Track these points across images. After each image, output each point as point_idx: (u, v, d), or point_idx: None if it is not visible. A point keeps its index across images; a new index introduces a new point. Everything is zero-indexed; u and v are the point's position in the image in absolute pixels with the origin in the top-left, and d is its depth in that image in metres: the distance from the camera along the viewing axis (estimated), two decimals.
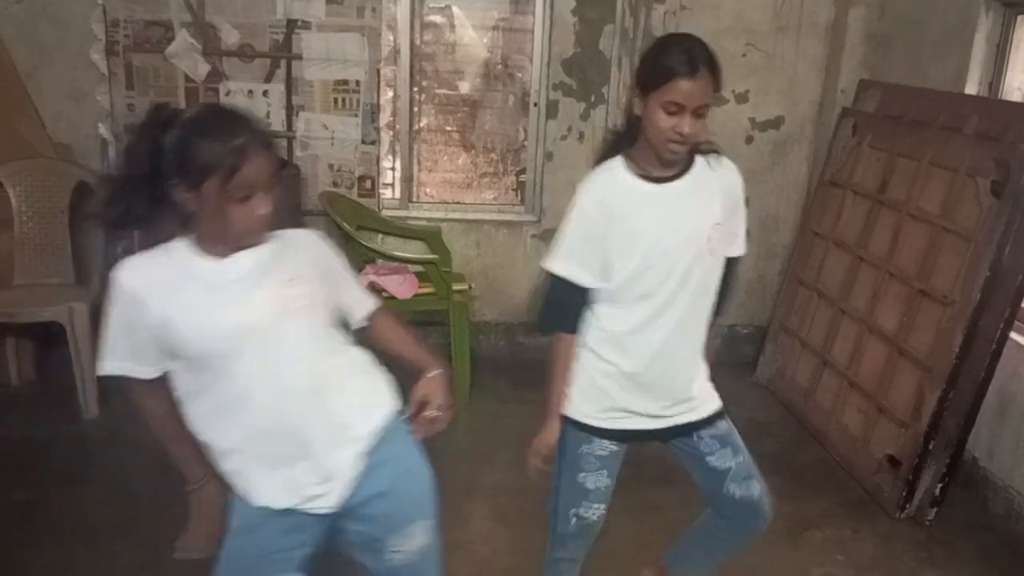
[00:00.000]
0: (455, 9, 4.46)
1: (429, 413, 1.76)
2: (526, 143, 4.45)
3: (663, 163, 1.92)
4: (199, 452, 1.69)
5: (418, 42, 4.36)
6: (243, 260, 1.60)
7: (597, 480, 2.19)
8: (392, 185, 4.50)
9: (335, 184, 4.16)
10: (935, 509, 3.15)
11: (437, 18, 4.52)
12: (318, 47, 4.04)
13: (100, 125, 3.93)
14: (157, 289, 1.56)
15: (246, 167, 1.49)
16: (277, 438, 1.61)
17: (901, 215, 3.57)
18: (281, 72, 4.05)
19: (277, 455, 1.62)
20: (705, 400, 2.21)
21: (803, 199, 4.47)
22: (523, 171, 4.52)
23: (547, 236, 4.41)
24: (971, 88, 3.53)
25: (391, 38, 4.28)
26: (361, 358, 1.77)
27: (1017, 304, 3.00)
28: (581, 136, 4.33)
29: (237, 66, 4.02)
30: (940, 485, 3.13)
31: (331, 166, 4.15)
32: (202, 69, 3.99)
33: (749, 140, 4.40)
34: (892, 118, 3.82)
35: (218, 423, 1.62)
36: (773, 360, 4.29)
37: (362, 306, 1.86)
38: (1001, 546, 3.05)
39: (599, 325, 2.04)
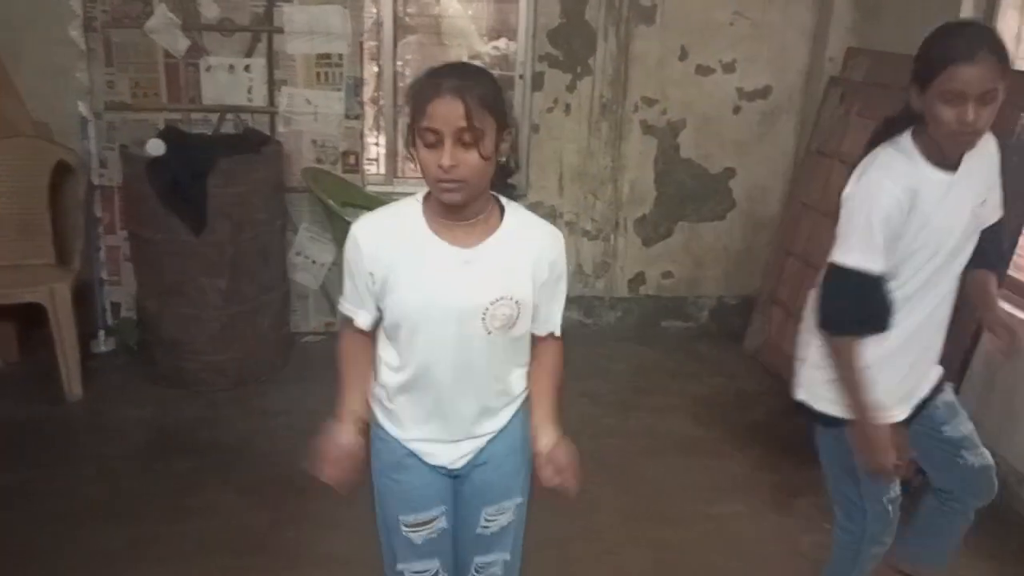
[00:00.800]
0: None
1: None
2: (512, 116, 4.39)
3: (952, 154, 1.85)
4: (363, 398, 1.75)
5: (402, 14, 4.30)
6: (478, 247, 1.62)
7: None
8: (377, 160, 4.46)
9: (319, 160, 4.11)
10: (921, 476, 3.15)
11: None
12: (300, 20, 3.97)
13: (79, 103, 3.86)
14: (384, 243, 1.65)
15: (434, 105, 1.48)
16: (439, 401, 1.69)
17: None
18: (263, 46, 3.98)
19: (432, 411, 1.70)
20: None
21: (791, 170, 4.45)
22: None
23: (533, 210, 4.34)
24: None
25: (374, 11, 4.22)
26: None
27: (1004, 273, 2.98)
28: (568, 108, 4.28)
29: (217, 40, 3.95)
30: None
31: (314, 142, 4.10)
32: (182, 44, 3.92)
33: (737, 110, 4.36)
34: (880, 86, 3.79)
35: (404, 359, 1.68)
36: (761, 331, 4.28)
37: (545, 326, 1.76)
38: (987, 509, 3.06)
39: None
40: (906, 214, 1.85)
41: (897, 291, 1.92)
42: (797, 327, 2.23)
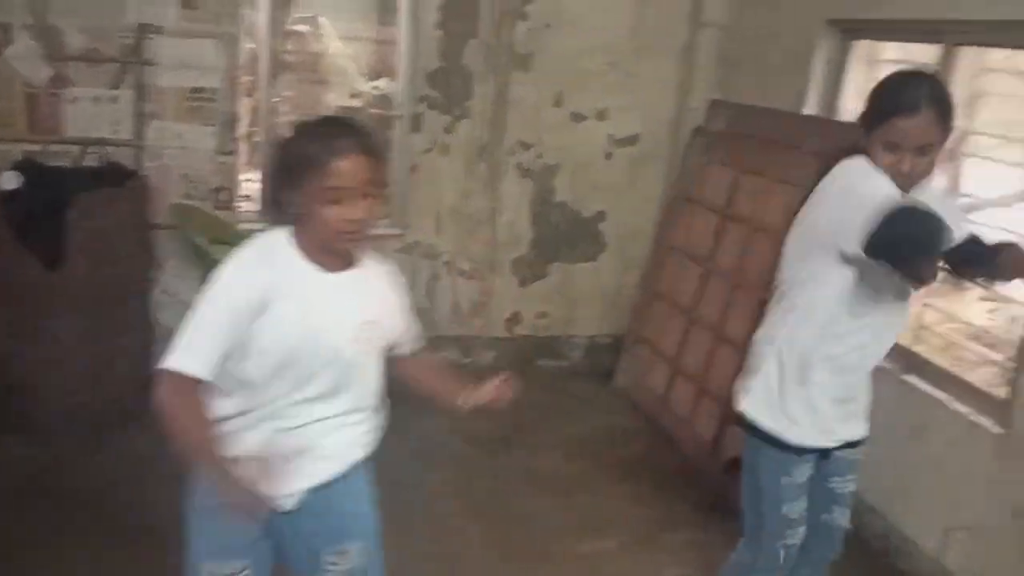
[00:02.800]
0: (322, 19, 4.40)
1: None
2: (391, 156, 4.42)
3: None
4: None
5: (280, 51, 4.26)
6: (344, 280, 1.70)
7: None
8: (250, 197, 4.37)
9: (189, 196, 4.00)
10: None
11: (303, 27, 4.44)
12: (171, 53, 3.88)
13: None
14: (266, 282, 1.63)
15: (341, 164, 1.56)
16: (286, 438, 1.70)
17: (748, 229, 3.75)
18: (131, 78, 3.87)
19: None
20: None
21: (658, 214, 4.63)
22: (388, 184, 4.48)
23: (411, 249, 4.39)
24: (810, 108, 3.76)
25: (250, 45, 4.17)
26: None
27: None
28: (446, 149, 4.33)
29: (83, 71, 3.81)
30: None
31: (185, 176, 3.99)
32: (44, 74, 3.77)
33: (608, 156, 4.52)
34: (740, 136, 4.02)
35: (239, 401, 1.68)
36: (631, 369, 4.41)
37: (413, 339, 1.92)
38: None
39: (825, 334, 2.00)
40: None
41: (853, 325, 1.97)
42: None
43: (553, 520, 3.24)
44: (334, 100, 4.69)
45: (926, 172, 1.88)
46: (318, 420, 1.70)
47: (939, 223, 1.69)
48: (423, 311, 4.44)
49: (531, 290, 4.60)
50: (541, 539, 3.12)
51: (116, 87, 3.85)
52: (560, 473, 3.59)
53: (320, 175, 1.56)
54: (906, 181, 1.86)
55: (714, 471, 3.55)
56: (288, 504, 1.71)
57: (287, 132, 1.74)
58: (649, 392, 4.20)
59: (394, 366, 1.87)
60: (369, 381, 1.77)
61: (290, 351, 1.62)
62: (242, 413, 1.67)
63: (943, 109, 1.83)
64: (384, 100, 4.51)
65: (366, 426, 1.82)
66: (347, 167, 1.56)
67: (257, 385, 1.65)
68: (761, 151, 3.80)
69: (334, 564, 1.79)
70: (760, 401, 2.13)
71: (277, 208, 1.67)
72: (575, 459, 3.71)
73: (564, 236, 4.57)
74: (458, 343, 4.54)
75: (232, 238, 3.92)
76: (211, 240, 3.68)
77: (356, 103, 4.60)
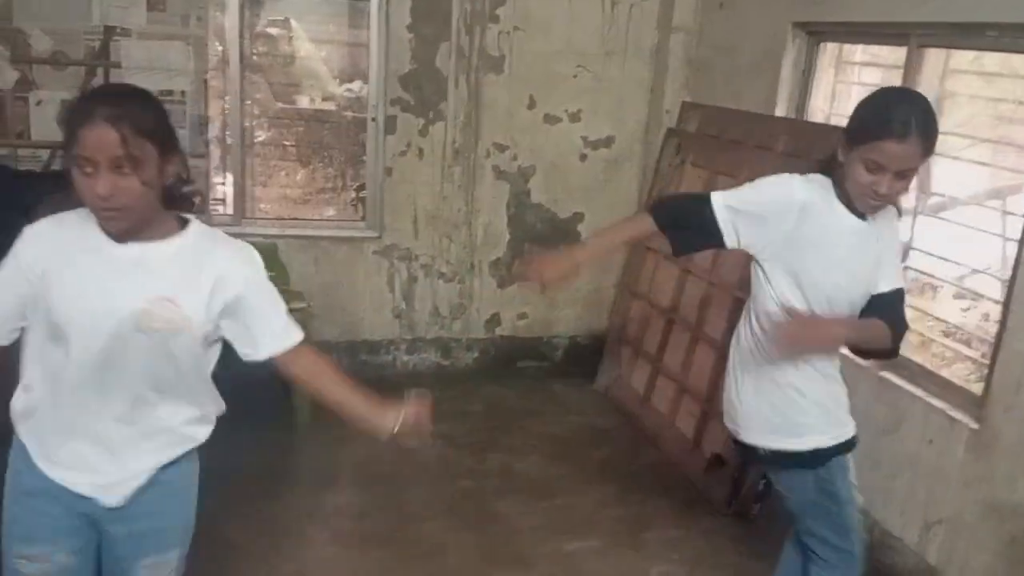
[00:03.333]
0: (293, 22, 4.36)
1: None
2: (365, 158, 4.40)
3: (860, 210, 1.93)
4: None
5: (249, 53, 4.22)
6: (134, 249, 1.55)
7: None
8: (224, 201, 4.32)
9: None
10: (759, 504, 3.35)
11: (273, 30, 4.39)
12: (139, 55, 3.83)
13: None
14: (51, 249, 1.55)
15: (86, 133, 1.43)
16: (82, 430, 1.61)
17: None
18: (98, 80, 3.80)
19: (78, 436, 1.61)
20: None
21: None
22: (363, 187, 4.46)
23: (388, 252, 4.37)
24: (780, 110, 3.81)
25: (219, 48, 4.12)
26: (187, 413, 1.69)
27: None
28: (420, 152, 4.33)
29: (49, 74, 3.75)
30: (763, 481, 3.31)
31: None
32: (9, 77, 3.70)
33: (583, 158, 4.55)
34: (712, 138, 4.07)
35: (38, 373, 1.60)
36: (611, 369, 4.44)
37: (275, 342, 1.68)
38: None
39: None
40: (790, 216, 1.94)
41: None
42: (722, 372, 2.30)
43: (536, 521, 3.25)
44: (307, 103, 4.64)
45: (901, 194, 1.90)
46: (95, 414, 1.59)
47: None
48: (402, 313, 4.46)
49: (510, 292, 4.60)
50: (524, 540, 3.12)
51: (83, 90, 3.79)
52: (542, 474, 3.60)
53: (72, 141, 1.46)
54: (879, 202, 1.89)
55: (695, 469, 3.59)
56: (111, 501, 1.64)
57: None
58: (631, 392, 4.23)
59: (279, 368, 1.72)
60: (161, 371, 1.60)
61: (55, 326, 1.54)
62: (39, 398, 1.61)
63: (930, 135, 1.82)
64: (357, 103, 4.48)
65: (170, 425, 1.67)
66: (91, 137, 1.43)
67: (35, 363, 1.60)
68: (733, 152, 3.85)
69: (148, 573, 1.73)
70: (818, 426, 2.09)
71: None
72: (557, 460, 3.72)
73: (541, 237, 4.58)
74: (438, 345, 4.54)
75: None
76: None
77: (329, 106, 4.57)
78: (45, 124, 3.75)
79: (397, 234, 4.39)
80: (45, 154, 3.75)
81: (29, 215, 3.26)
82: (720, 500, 3.39)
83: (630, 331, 4.36)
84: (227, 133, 4.24)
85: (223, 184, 4.33)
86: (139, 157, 1.45)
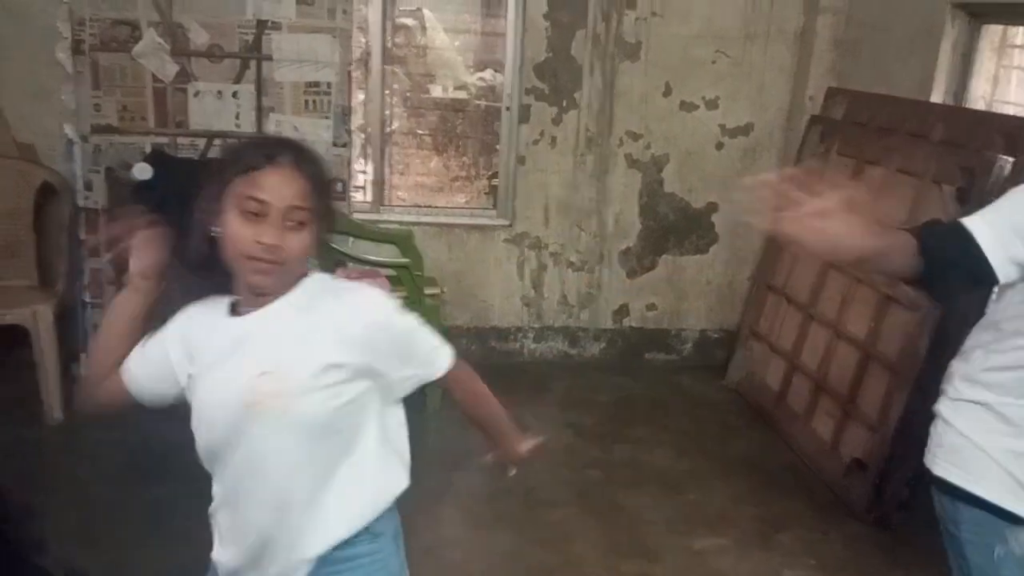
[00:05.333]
0: (426, 12, 4.45)
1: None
2: (498, 147, 4.44)
3: None
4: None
5: (389, 44, 4.34)
6: (251, 320, 1.40)
7: None
8: (363, 188, 4.47)
9: None
10: (902, 512, 3.19)
11: (408, 21, 4.50)
12: (289, 48, 3.99)
13: (65, 125, 3.84)
14: (184, 336, 1.47)
15: (267, 175, 1.32)
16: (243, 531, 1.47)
17: (869, 221, 3.60)
18: (251, 73, 3.99)
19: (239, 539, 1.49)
20: None
21: None
22: (495, 175, 4.51)
23: (519, 240, 4.41)
24: (936, 96, 3.59)
25: (362, 40, 4.25)
26: (357, 470, 1.45)
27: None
28: (553, 141, 4.33)
29: (206, 67, 3.96)
30: (907, 488, 3.16)
31: None
32: (170, 69, 3.92)
33: (719, 146, 4.43)
34: (859, 125, 3.87)
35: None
36: (743, 364, 4.32)
37: (424, 370, 1.53)
38: None
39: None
40: None
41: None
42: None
43: (664, 515, 3.21)
44: (440, 92, 4.74)
45: None
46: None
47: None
48: (530, 301, 4.49)
49: (639, 282, 4.55)
50: (651, 533, 3.09)
51: (237, 81, 3.98)
52: (671, 468, 3.55)
53: (237, 181, 1.33)
54: None
55: (833, 472, 3.45)
56: None
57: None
58: (764, 389, 4.10)
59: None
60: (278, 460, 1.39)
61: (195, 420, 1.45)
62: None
63: None
64: (490, 91, 4.53)
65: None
66: (272, 180, 1.32)
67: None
68: (884, 140, 3.65)
69: None
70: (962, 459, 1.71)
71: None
72: (686, 454, 3.65)
73: (673, 227, 4.50)
74: (566, 334, 4.54)
75: (347, 227, 4.03)
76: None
77: (461, 94, 4.64)
78: (202, 114, 3.98)
79: (528, 222, 4.41)
80: (202, 142, 3.97)
81: (188, 200, 3.50)
82: (860, 506, 3.24)
83: (764, 326, 4.23)
84: (367, 123, 4.38)
85: (363, 173, 4.48)
86: (316, 211, 1.35)
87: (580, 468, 3.48)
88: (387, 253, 3.97)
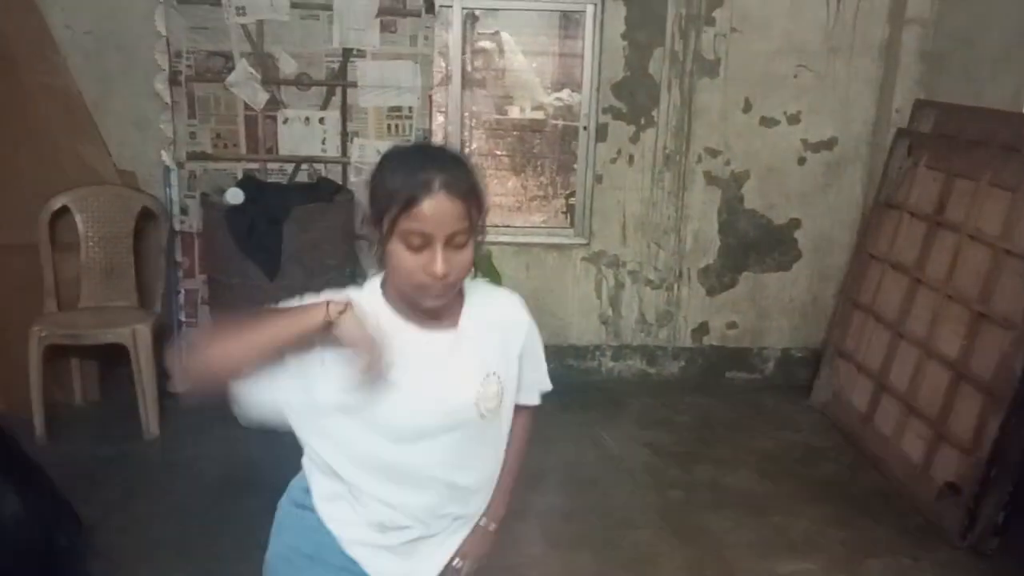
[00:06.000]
0: (505, 35, 4.52)
1: (456, 563, 1.63)
2: (575, 166, 4.47)
3: None
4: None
5: (469, 68, 4.43)
6: (442, 339, 1.47)
7: None
8: None
9: None
10: (997, 538, 3.06)
11: (487, 44, 4.58)
12: (373, 75, 4.12)
13: (163, 152, 4.05)
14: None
15: (424, 207, 1.30)
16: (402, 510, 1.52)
17: (960, 236, 3.50)
18: (336, 99, 4.14)
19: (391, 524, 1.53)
20: None
21: (857, 221, 4.41)
22: (572, 194, 4.54)
23: (596, 259, 4.41)
24: None
25: (443, 64, 4.35)
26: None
27: None
28: (631, 159, 4.33)
29: (294, 94, 4.12)
30: (1003, 514, 3.04)
31: None
32: (261, 98, 4.10)
33: (802, 161, 4.36)
34: (948, 138, 3.76)
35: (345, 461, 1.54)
36: (828, 384, 4.21)
37: (528, 396, 1.67)
38: None
39: None
40: None
41: None
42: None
43: (748, 538, 3.15)
44: (518, 113, 4.80)
45: None
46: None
47: None
48: (608, 320, 4.48)
49: (719, 300, 4.50)
50: (735, 557, 3.04)
51: (324, 108, 4.13)
52: (754, 490, 3.48)
53: (397, 212, 1.32)
54: None
55: (924, 496, 3.33)
56: None
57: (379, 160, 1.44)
58: (850, 409, 3.99)
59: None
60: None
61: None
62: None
63: None
64: (567, 111, 4.57)
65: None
66: (430, 210, 1.30)
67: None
68: (974, 153, 3.54)
69: None
70: None
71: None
72: (769, 476, 3.58)
73: (754, 244, 4.44)
74: (644, 353, 4.52)
75: None
76: None
77: (539, 115, 4.69)
78: (291, 140, 4.14)
79: (605, 241, 4.42)
80: (290, 167, 4.13)
81: (278, 223, 3.63)
82: (954, 531, 3.12)
83: (850, 344, 4.12)
84: (447, 145, 4.47)
85: None
86: (474, 226, 1.35)
87: (660, 489, 3.45)
88: None
